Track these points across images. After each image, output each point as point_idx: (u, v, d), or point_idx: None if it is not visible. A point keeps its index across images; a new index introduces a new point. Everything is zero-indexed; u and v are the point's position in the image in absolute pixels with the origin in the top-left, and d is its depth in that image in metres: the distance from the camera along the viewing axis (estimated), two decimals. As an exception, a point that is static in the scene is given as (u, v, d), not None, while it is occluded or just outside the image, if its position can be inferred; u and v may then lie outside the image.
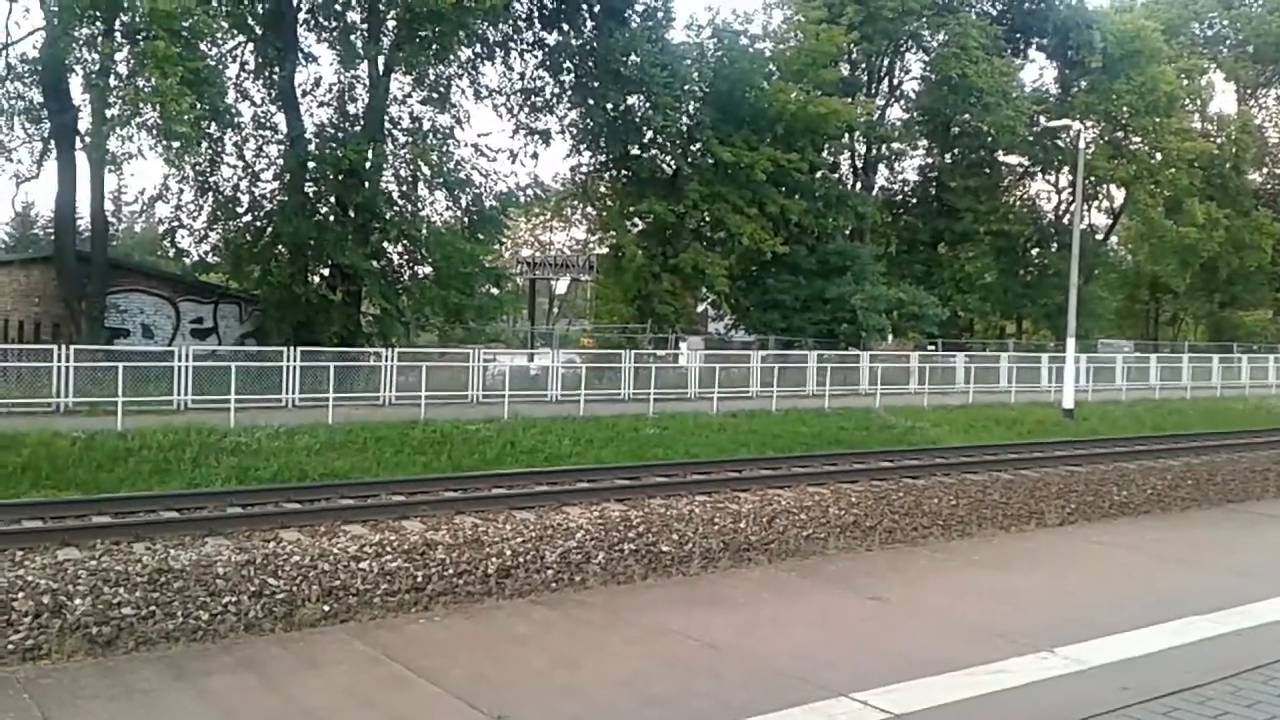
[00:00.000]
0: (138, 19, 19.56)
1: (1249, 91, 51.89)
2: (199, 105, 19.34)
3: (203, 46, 20.49)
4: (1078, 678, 6.88)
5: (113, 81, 20.40)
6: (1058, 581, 10.39)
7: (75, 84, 21.80)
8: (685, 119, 29.86)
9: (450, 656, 7.44)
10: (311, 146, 23.63)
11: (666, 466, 14.07)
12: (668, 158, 30.68)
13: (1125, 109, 39.90)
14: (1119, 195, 45.09)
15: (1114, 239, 50.21)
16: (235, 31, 23.93)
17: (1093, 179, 39.90)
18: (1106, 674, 6.94)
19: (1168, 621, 8.28)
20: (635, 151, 30.18)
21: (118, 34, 20.47)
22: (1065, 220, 41.48)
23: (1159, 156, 41.12)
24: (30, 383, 16.98)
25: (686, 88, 29.30)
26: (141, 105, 19.41)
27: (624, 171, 31.10)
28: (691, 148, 30.32)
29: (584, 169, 32.14)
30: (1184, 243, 42.70)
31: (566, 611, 8.70)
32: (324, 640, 7.79)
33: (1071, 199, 38.94)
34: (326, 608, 8.27)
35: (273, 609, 8.08)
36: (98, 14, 19.74)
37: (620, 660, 7.46)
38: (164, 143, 20.26)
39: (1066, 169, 40.45)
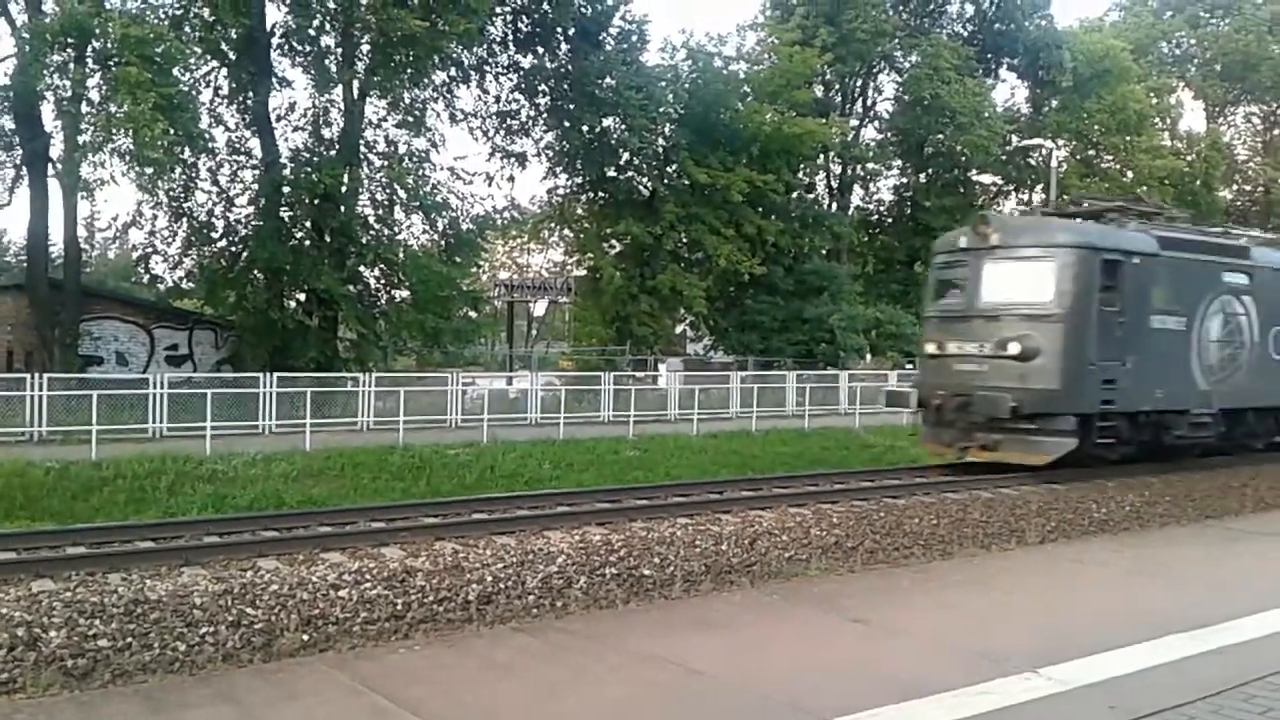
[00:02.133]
0: (109, 45, 19.52)
1: (1217, 109, 52.57)
2: (172, 131, 19.30)
3: (175, 72, 20.44)
4: (1064, 698, 6.87)
5: (85, 108, 20.31)
6: (1039, 600, 10.39)
7: (47, 110, 21.72)
8: (661, 140, 30.01)
9: (431, 686, 7.35)
10: (286, 171, 23.60)
11: (647, 489, 14.03)
12: (644, 179, 30.78)
13: (1096, 127, 40.36)
14: (1091, 213, 45.47)
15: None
16: (208, 57, 23.89)
17: (1065, 197, 40.24)
18: (1092, 694, 6.93)
19: (1150, 639, 8.29)
20: (611, 173, 30.28)
21: (89, 60, 20.39)
22: (1039, 238, 41.78)
23: (1130, 174, 41.58)
24: (2, 412, 16.80)
25: (662, 109, 29.46)
26: (114, 131, 19.33)
27: (600, 193, 31.19)
28: (667, 169, 30.44)
29: (560, 191, 32.24)
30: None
31: (548, 638, 8.62)
32: (303, 671, 7.68)
33: (1045, 217, 39.26)
34: (305, 637, 8.16)
35: (251, 639, 7.97)
36: (69, 40, 19.68)
37: (603, 687, 7.39)
38: (137, 169, 20.20)
39: (1040, 187, 40.82)
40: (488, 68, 28.53)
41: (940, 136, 37.99)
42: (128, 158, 19.82)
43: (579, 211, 33.34)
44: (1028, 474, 15.54)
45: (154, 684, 7.32)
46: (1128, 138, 40.44)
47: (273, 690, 7.22)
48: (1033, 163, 39.90)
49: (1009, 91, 46.88)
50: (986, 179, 42.51)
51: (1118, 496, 15.24)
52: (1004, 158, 39.47)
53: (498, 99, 29.24)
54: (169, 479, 13.70)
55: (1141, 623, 8.92)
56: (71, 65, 20.32)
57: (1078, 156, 41.33)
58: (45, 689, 7.07)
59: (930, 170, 40.99)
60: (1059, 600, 10.39)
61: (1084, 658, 7.75)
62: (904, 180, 42.27)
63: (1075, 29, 44.64)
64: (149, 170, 20.16)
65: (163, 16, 21.78)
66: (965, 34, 40.21)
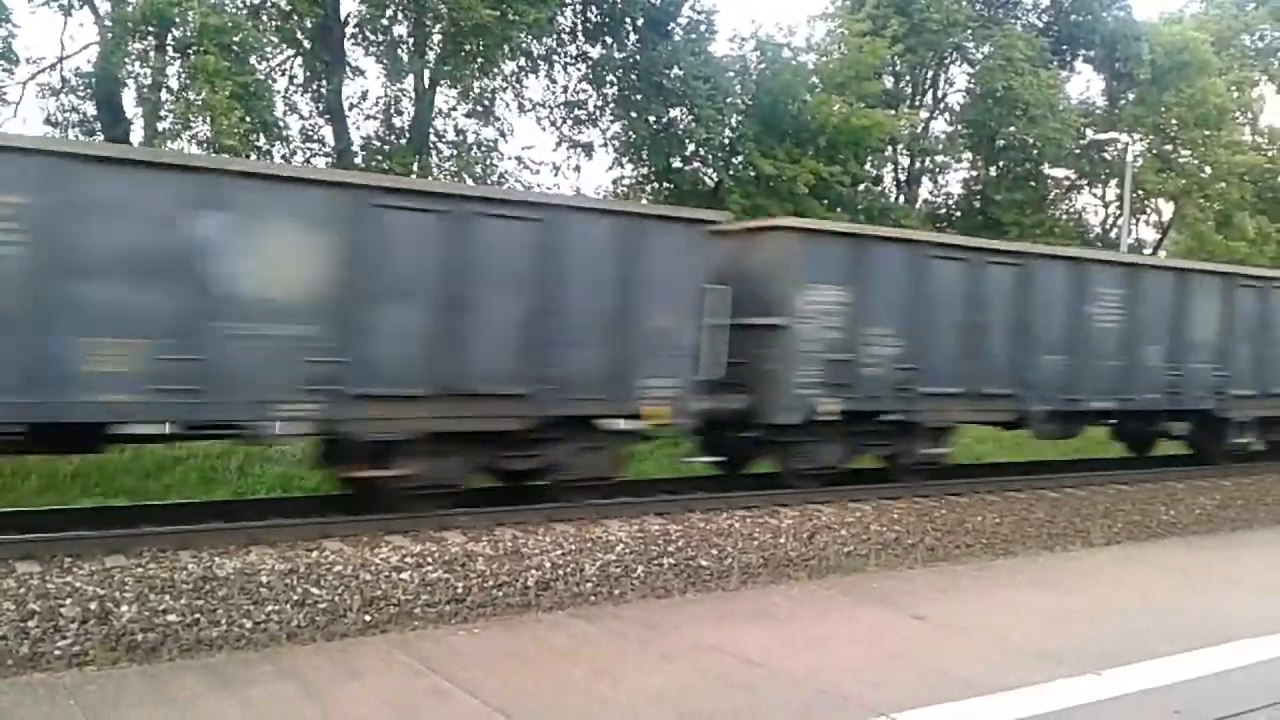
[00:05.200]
0: (189, 34, 19.86)
1: (1302, 104, 51.00)
2: (248, 119, 19.59)
3: (252, 60, 20.74)
4: (1126, 700, 6.78)
5: (164, 95, 20.73)
6: (1104, 602, 10.23)
7: (128, 97, 22.16)
8: (728, 131, 29.80)
9: (489, 668, 7.45)
10: (358, 159, 23.87)
11: (706, 480, 14.02)
12: (710, 170, 30.62)
13: (1174, 121, 39.33)
14: (1167, 209, 44.47)
15: (1162, 253, 49.55)
16: (284, 46, 24.22)
17: (1140, 192, 39.38)
18: (1156, 697, 6.83)
19: (1217, 644, 8.15)
20: (677, 164, 30.16)
21: (169, 48, 20.78)
22: (1113, 234, 41.01)
23: (1209, 170, 40.49)
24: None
25: (729, 100, 29.24)
26: (192, 118, 19.70)
27: (666, 184, 31.09)
28: (733, 160, 30.25)
29: (626, 181, 32.17)
30: (1234, 257, 41.98)
31: (605, 625, 8.68)
32: (364, 650, 7.83)
33: (1119, 212, 38.47)
34: (367, 617, 8.32)
35: (315, 618, 8.14)
36: (150, 29, 20.06)
37: (659, 675, 7.44)
38: (214, 155, 20.56)
39: (1114, 182, 39.96)
40: (556, 58, 28.57)
41: (1012, 129, 37.26)
42: (205, 144, 20.19)
43: (643, 202, 33.32)
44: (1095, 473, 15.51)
45: (220, 660, 7.51)
46: (1206, 132, 39.33)
47: (335, 668, 7.37)
48: (1107, 157, 39.00)
49: (1084, 84, 45.75)
50: (1059, 173, 41.63)
51: (1187, 499, 14.97)
52: (1078, 151, 38.61)
53: (565, 89, 29.28)
54: (238, 459, 14.02)
55: (1209, 627, 8.76)
56: (152, 53, 20.72)
57: (1154, 151, 40.29)
58: (115, 662, 7.28)
59: (1001, 163, 40.22)
60: (1124, 602, 10.23)
61: (1148, 661, 7.65)
62: (973, 174, 41.56)
63: (1154, 21, 43.55)
64: (225, 157, 20.55)
65: (241, 5, 22.13)
66: (1040, 25, 39.41)
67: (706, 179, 30.73)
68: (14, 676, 6.95)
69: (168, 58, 20.73)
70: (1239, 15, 47.46)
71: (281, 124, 23.04)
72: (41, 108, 22.56)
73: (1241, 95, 43.62)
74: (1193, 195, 40.70)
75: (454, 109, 26.35)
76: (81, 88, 22.50)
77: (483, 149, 26.15)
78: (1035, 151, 38.12)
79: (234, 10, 20.97)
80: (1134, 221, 42.43)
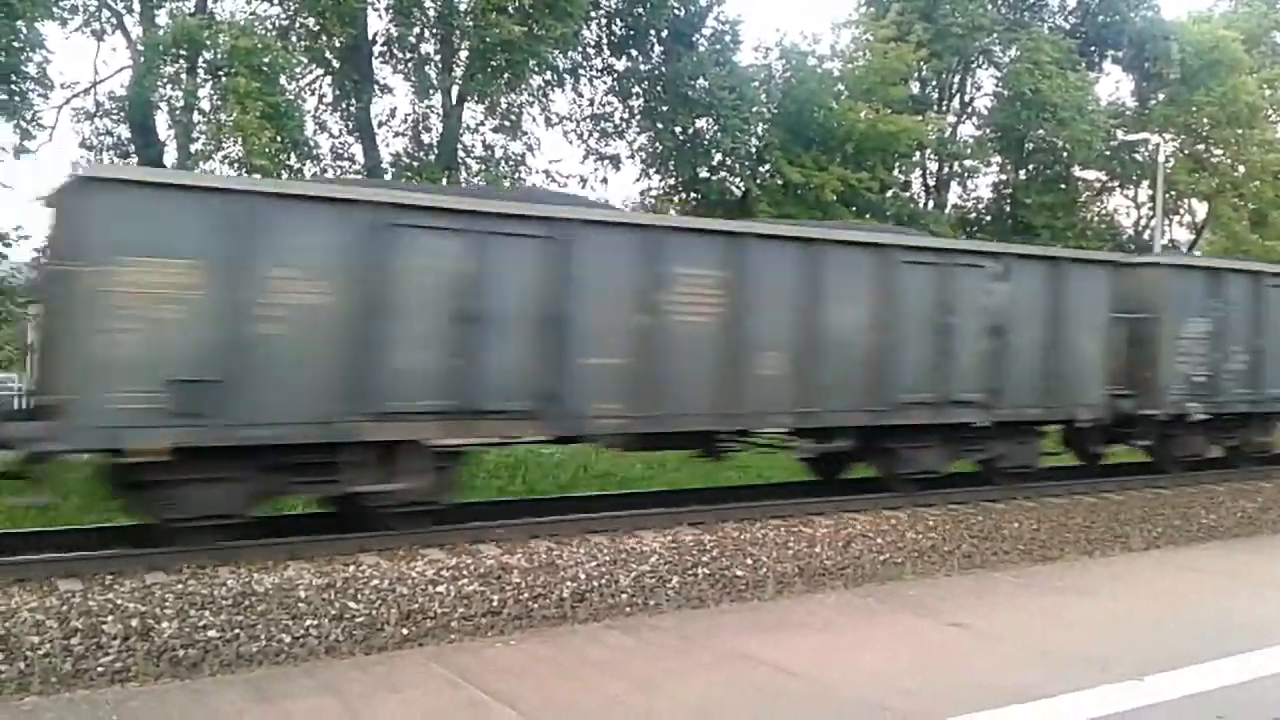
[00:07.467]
0: (219, 56, 20.10)
1: (1335, 101, 50.35)
2: (279, 139, 19.78)
3: (282, 81, 20.94)
4: (1170, 706, 6.71)
5: (196, 117, 20.98)
6: (1145, 608, 10.13)
7: (161, 120, 22.44)
8: (754, 140, 29.78)
9: (526, 680, 7.47)
10: (388, 176, 24.05)
11: (740, 489, 13.98)
12: (737, 179, 30.62)
13: (1205, 121, 38.95)
14: (1200, 209, 44.02)
15: (1197, 253, 49.02)
16: (313, 66, 24.45)
17: (1173, 193, 39.03)
18: (1200, 703, 6.75)
19: (1261, 649, 8.05)
20: (704, 174, 30.19)
21: (201, 71, 21.03)
22: (1146, 235, 40.62)
23: (1242, 169, 40.06)
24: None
25: (755, 109, 29.25)
26: (224, 139, 19.91)
27: (693, 194, 31.12)
28: (760, 169, 30.22)
29: (653, 193, 32.22)
30: (1270, 257, 41.49)
31: (641, 636, 8.68)
32: (402, 663, 7.87)
33: (1151, 214, 38.12)
34: (405, 631, 8.36)
35: (353, 632, 8.19)
36: (181, 52, 20.32)
37: (696, 685, 7.42)
38: (246, 175, 20.78)
39: (1146, 183, 39.60)
40: (582, 71, 28.67)
41: (1041, 132, 36.98)
42: (237, 165, 20.39)
43: (671, 213, 33.34)
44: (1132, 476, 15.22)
45: (259, 674, 7.57)
46: (1239, 131, 38.92)
47: (374, 682, 7.41)
48: (1138, 158, 38.66)
49: (1113, 85, 45.62)
50: (1090, 175, 41.27)
51: (1228, 502, 14.78)
52: (1108, 153, 38.27)
53: (592, 102, 29.39)
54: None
55: (1252, 632, 8.65)
56: (184, 76, 20.99)
57: (1186, 151, 39.89)
58: (157, 677, 7.36)
59: (1030, 166, 39.94)
60: (1165, 607, 10.12)
61: (1191, 666, 7.56)
62: (1003, 177, 41.27)
63: (1183, 20, 43.15)
64: (257, 177, 20.75)
65: (270, 27, 22.37)
66: (1067, 26, 39.15)
67: (734, 188, 30.72)
68: (58, 693, 7.04)
69: (199, 80, 20.98)
70: (1269, 13, 46.97)
71: (312, 143, 23.28)
72: (76, 131, 22.94)
73: (1273, 93, 43.16)
74: (1226, 195, 40.28)
75: (482, 124, 26.51)
76: (115, 111, 22.82)
77: (510, 163, 26.29)
78: (1065, 154, 37.82)
79: (263, 32, 21.20)
80: (1167, 222, 42.06)
